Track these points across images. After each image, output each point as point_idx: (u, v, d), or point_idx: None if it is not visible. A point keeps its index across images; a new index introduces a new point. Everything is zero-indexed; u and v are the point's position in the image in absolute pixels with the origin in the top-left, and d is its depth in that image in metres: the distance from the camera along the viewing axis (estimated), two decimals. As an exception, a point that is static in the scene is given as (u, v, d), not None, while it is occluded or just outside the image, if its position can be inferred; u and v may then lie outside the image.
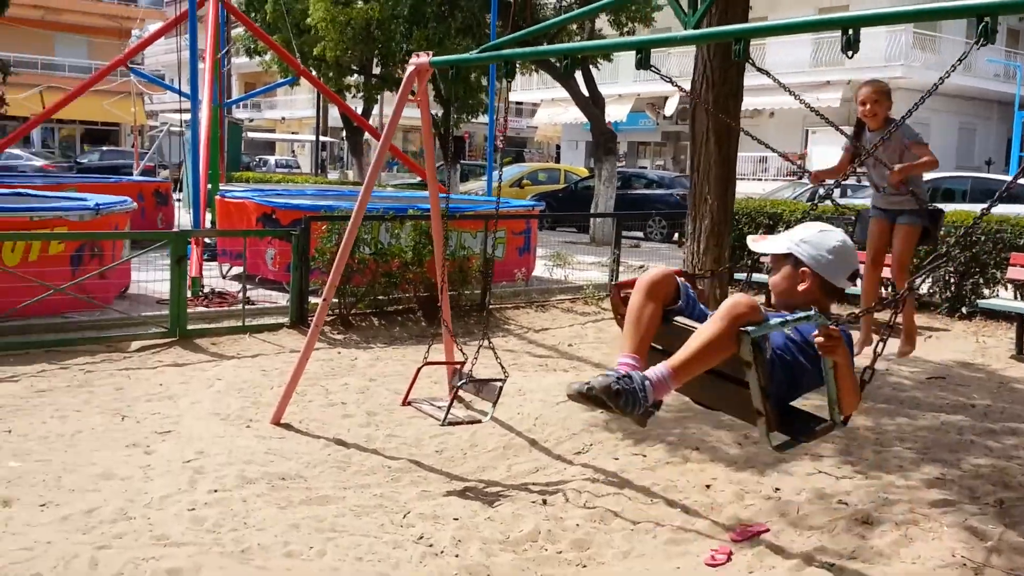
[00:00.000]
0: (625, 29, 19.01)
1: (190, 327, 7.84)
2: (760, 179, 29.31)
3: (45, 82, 43.21)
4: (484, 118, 51.54)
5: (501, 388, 4.81)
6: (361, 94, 23.34)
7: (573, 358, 7.97)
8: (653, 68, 4.05)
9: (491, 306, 9.61)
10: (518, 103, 40.49)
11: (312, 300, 8.50)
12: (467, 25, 16.48)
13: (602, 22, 19.64)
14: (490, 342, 5.20)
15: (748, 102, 30.52)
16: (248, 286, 10.02)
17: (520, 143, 56.79)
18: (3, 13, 20.53)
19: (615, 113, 36.06)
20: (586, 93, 17.22)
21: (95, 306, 7.96)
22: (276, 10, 18.52)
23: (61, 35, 47.52)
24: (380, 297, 8.82)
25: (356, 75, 22.55)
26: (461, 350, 5.66)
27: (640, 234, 18.42)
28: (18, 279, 7.30)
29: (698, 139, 6.99)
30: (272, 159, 42.70)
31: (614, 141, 17.20)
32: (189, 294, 9.31)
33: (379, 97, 23.81)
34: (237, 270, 10.76)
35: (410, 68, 5.72)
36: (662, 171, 26.05)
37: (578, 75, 17.78)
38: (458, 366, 5.04)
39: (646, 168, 37.30)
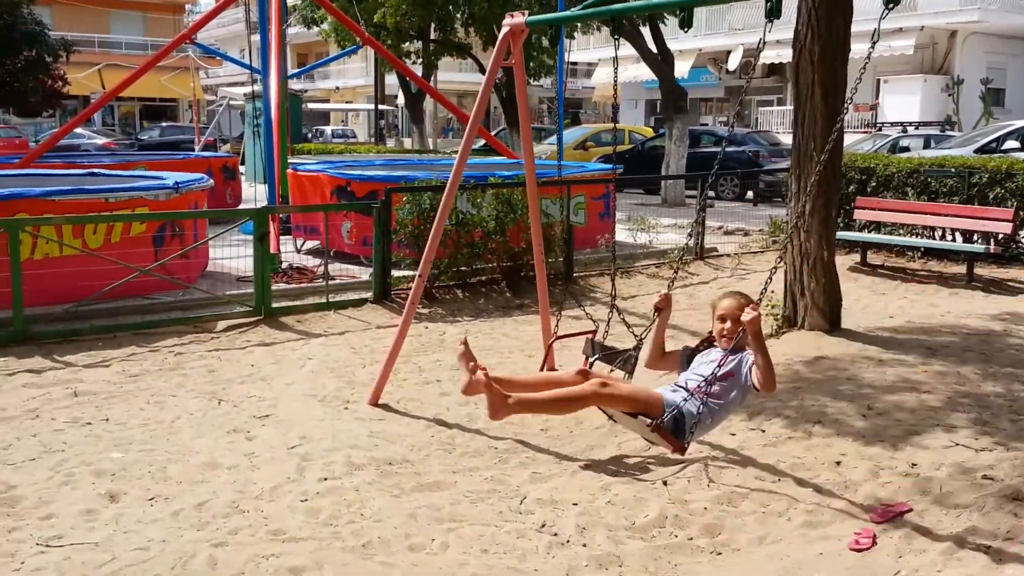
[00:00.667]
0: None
1: (274, 305, 7.71)
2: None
3: (103, 60, 43.67)
4: (541, 80, 50.63)
5: (636, 359, 4.53)
6: (420, 60, 23.02)
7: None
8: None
9: (576, 274, 9.32)
10: (573, 63, 39.75)
11: (395, 273, 8.31)
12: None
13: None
14: (618, 311, 4.91)
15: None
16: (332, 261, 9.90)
17: (576, 104, 55.99)
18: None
19: (676, 69, 35.18)
20: (654, 50, 16.67)
21: (179, 286, 7.87)
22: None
23: (117, 13, 47.94)
24: (463, 268, 8.60)
25: (415, 41, 22.22)
26: (591, 318, 5.37)
27: (712, 193, 17.92)
28: (102, 262, 7.22)
29: (802, 93, 6.58)
30: (328, 129, 42.75)
31: (684, 99, 16.68)
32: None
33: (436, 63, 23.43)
34: (311, 244, 10.64)
35: (504, 29, 5.42)
36: (733, 127, 25.30)
37: (645, 31, 17.24)
38: (590, 335, 4.75)
39: (708, 124, 36.53)
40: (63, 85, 25.11)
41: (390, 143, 38.73)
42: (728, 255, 10.65)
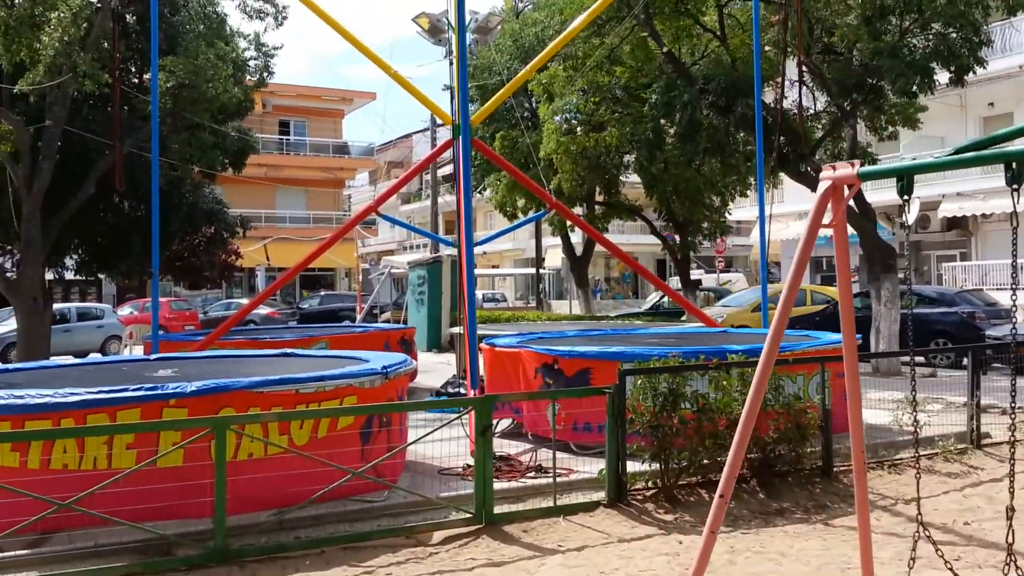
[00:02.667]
0: (885, 134, 17.25)
1: (496, 511, 6.56)
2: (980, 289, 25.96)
3: (270, 233, 45.91)
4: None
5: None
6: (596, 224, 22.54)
7: (989, 545, 6.06)
8: None
9: (836, 467, 7.83)
10: (737, 221, 38.92)
11: (631, 469, 7.07)
12: (716, 143, 15.28)
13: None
14: (924, 528, 3.60)
15: (997, 204, 27.42)
16: (528, 445, 8.78)
17: (727, 263, 54.89)
18: (240, 171, 21.41)
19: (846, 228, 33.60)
20: (852, 204, 15.45)
21: (384, 486, 6.87)
22: (504, 147, 18.11)
23: (282, 189, 50.61)
24: (704, 463, 7.28)
25: (582, 204, 21.80)
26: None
27: (921, 360, 16.05)
28: (308, 462, 6.31)
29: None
30: (480, 294, 42.84)
31: (893, 256, 15.24)
32: (471, 461, 8.18)
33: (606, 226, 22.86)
34: (505, 423, 9.62)
35: (824, 184, 4.34)
36: (941, 286, 23.41)
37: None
38: None
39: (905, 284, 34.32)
40: (236, 259, 25.88)
41: (560, 307, 38.30)
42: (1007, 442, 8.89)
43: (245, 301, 40.65)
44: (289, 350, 9.61)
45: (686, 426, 7.09)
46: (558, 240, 39.23)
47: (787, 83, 15.27)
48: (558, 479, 7.53)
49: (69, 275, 19.88)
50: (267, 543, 5.99)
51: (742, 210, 36.79)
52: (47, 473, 5.80)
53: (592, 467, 7.52)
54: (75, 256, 18.50)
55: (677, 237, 20.82)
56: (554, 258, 39.18)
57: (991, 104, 27.66)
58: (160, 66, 13.82)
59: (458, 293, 15.02)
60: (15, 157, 14.27)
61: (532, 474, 7.85)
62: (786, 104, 15.59)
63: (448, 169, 47.88)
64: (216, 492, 5.71)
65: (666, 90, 15.22)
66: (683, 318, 22.16)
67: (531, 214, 19.84)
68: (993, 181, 28.51)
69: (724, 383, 7.25)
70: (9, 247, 19.24)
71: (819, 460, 7.74)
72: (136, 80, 17.34)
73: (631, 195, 23.02)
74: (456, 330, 14.82)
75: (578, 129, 18.84)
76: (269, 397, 6.37)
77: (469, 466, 8.09)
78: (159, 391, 6.02)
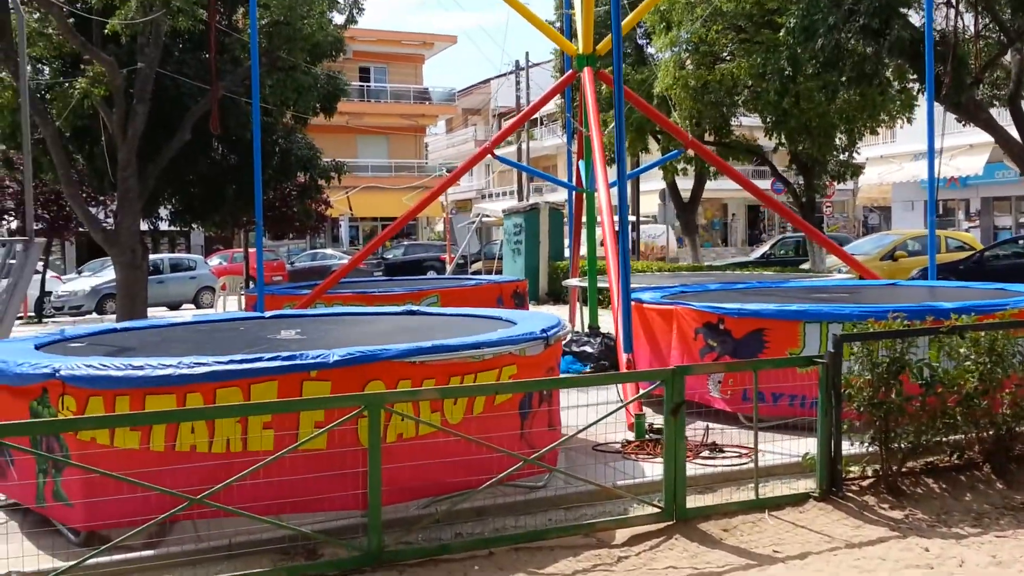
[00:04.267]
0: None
1: (689, 504, 5.48)
2: None
3: (352, 183, 45.24)
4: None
5: None
6: (694, 167, 21.07)
7: None
8: None
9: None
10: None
11: (846, 452, 5.89)
12: (861, 72, 13.69)
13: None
14: None
15: None
16: (689, 421, 7.66)
17: (818, 209, 52.40)
18: (332, 116, 20.47)
19: (967, 166, 31.36)
20: (1018, 138, 13.75)
21: (544, 470, 5.83)
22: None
23: (363, 137, 49.88)
24: (930, 446, 6.06)
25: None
26: None
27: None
28: (461, 444, 5.31)
29: None
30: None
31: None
32: (631, 436, 7.12)
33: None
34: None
35: None
36: None
37: (999, 115, 14.36)
38: None
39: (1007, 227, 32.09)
40: (326, 208, 25.10)
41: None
42: None
43: (330, 251, 40.24)
44: (413, 306, 8.63)
45: (910, 402, 5.87)
46: (653, 185, 37.66)
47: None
48: (743, 462, 6.44)
49: (164, 226, 19.31)
50: (427, 542, 5.02)
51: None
52: (172, 456, 4.91)
53: (775, 445, 6.39)
54: (169, 206, 17.87)
55: (802, 179, 19.22)
56: (649, 204, 37.56)
57: None
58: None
59: (574, 241, 13.85)
60: (108, 102, 13.53)
61: (706, 453, 6.75)
62: (945, 26, 13.90)
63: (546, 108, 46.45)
64: (370, 482, 4.74)
65: (807, 12, 13.62)
66: (803, 267, 20.66)
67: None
68: None
69: (961, 350, 5.98)
70: (103, 197, 18.73)
71: (1061, 442, 6.44)
72: (225, 22, 16.44)
73: (742, 135, 21.37)
74: (574, 281, 13.71)
75: (692, 62, 17.30)
76: (422, 368, 5.35)
77: (629, 442, 7.07)
78: (298, 361, 5.05)
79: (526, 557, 5.01)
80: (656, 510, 5.40)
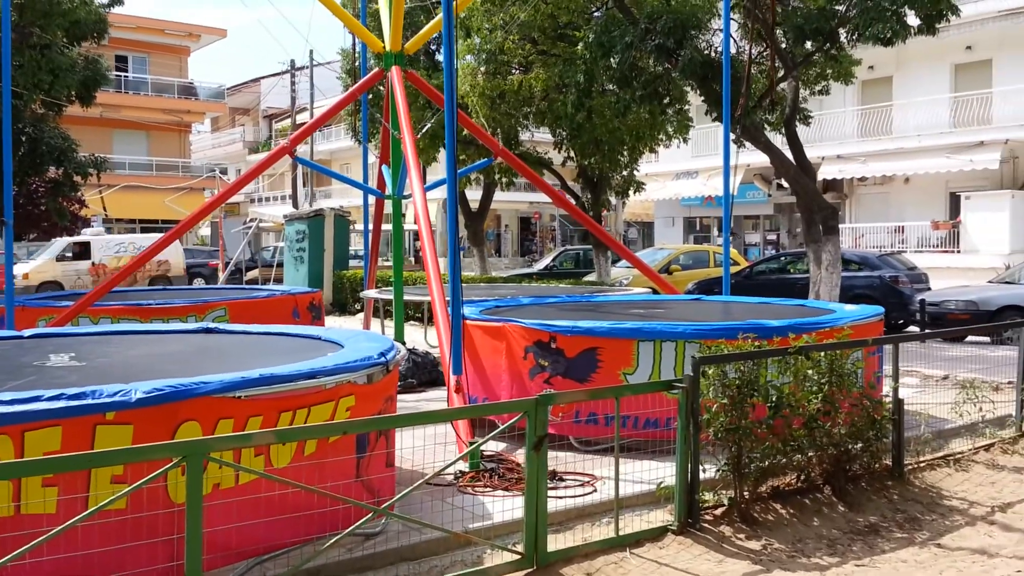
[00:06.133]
0: (817, 88, 16.45)
1: (550, 548, 4.95)
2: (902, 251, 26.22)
3: (108, 181, 41.50)
4: (546, 196, 48.64)
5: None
6: (484, 178, 20.82)
7: None
8: None
9: (907, 465, 6.66)
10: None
11: (707, 478, 5.59)
12: (653, 90, 13.91)
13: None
14: None
15: (877, 168, 27.46)
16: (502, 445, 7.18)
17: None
18: (89, 105, 18.44)
19: (720, 186, 33.35)
20: (791, 160, 14.49)
21: (378, 514, 5.09)
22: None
23: (120, 132, 46.04)
24: (777, 469, 5.92)
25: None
26: None
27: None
28: (292, 494, 4.48)
29: None
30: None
31: (836, 217, 14.39)
32: (464, 467, 6.53)
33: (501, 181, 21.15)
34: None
35: None
36: (863, 250, 23.13)
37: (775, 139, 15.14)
38: None
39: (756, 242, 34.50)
40: (80, 207, 22.68)
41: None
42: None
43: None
44: (210, 324, 7.57)
45: (760, 425, 5.69)
46: (434, 195, 37.28)
47: (734, 28, 14.11)
48: (585, 492, 6.02)
49: None
50: (258, 618, 4.17)
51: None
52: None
53: (608, 470, 6.05)
54: None
55: (589, 194, 19.46)
56: (431, 213, 37.10)
57: (968, 48, 27.13)
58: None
59: (372, 250, 13.07)
60: None
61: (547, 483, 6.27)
62: (736, 52, 14.45)
63: (295, 117, 44.58)
64: (188, 549, 3.82)
65: (605, 29, 13.68)
66: (586, 279, 20.96)
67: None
68: (875, 144, 28.79)
69: (807, 371, 5.88)
70: None
71: (889, 460, 6.54)
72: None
73: (533, 147, 21.42)
74: (373, 293, 12.92)
75: (489, 71, 17.03)
76: (248, 404, 4.47)
77: (463, 472, 6.46)
78: (89, 400, 4.02)
79: (373, 625, 4.28)
80: (515, 556, 4.83)
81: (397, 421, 5.22)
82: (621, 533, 5.25)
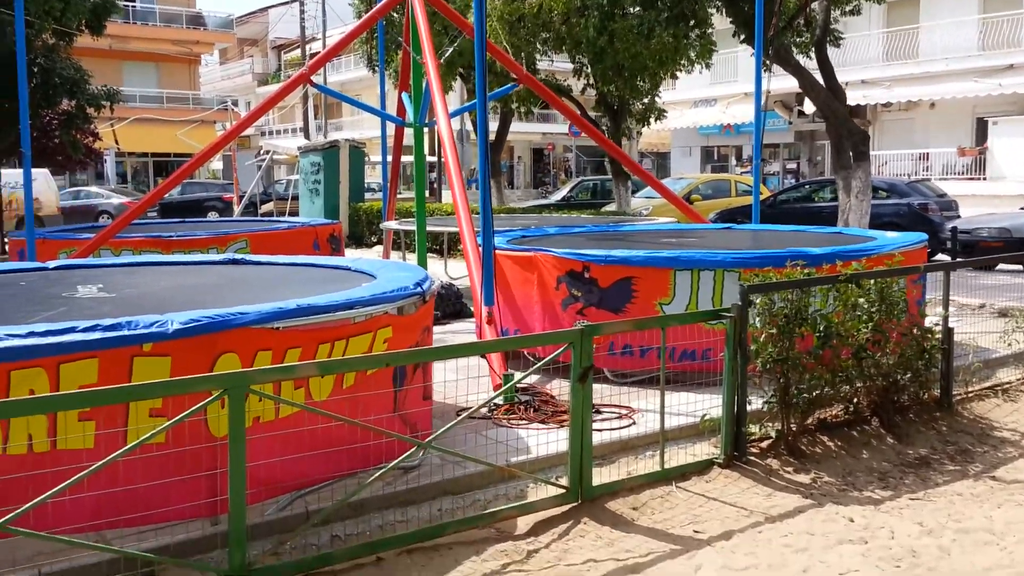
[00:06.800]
0: (848, 8, 15.90)
1: (595, 482, 4.83)
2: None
3: (120, 114, 41.09)
4: (561, 127, 47.80)
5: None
6: (502, 107, 20.38)
7: None
8: None
9: (956, 396, 6.50)
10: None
11: (752, 410, 5.45)
12: (680, 12, 13.45)
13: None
14: None
15: (902, 93, 26.66)
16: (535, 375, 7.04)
17: (600, 153, 53.66)
18: (100, 35, 18.04)
19: (743, 114, 32.78)
20: (821, 81, 14.04)
21: (409, 444, 4.96)
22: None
23: (130, 64, 45.45)
24: (824, 400, 5.76)
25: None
26: None
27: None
28: (328, 422, 4.34)
29: None
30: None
31: (867, 143, 14.00)
32: (500, 400, 6.39)
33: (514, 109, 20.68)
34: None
35: None
36: (891, 178, 22.69)
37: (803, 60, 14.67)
38: None
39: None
40: (94, 140, 22.39)
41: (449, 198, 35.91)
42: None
43: (95, 189, 36.32)
44: (235, 256, 7.40)
45: (801, 359, 5.51)
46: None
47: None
48: (624, 424, 5.89)
49: None
50: (300, 552, 4.07)
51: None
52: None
53: (645, 402, 5.93)
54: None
55: (608, 122, 19.03)
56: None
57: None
58: None
59: (391, 180, 12.82)
60: None
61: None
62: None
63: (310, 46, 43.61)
64: (231, 484, 3.69)
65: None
66: (605, 209, 20.64)
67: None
68: (901, 68, 28.07)
69: (857, 300, 5.67)
70: None
71: (938, 391, 6.37)
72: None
73: (550, 73, 20.94)
74: (393, 224, 12.72)
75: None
76: (286, 335, 4.31)
77: (497, 406, 6.33)
78: (126, 331, 3.87)
79: (422, 560, 4.18)
80: (560, 491, 4.72)
81: (440, 353, 5.08)
82: (666, 467, 5.12)
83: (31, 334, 3.73)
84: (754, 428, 5.52)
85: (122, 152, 43.54)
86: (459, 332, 9.32)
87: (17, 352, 3.68)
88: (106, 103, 17.63)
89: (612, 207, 20.54)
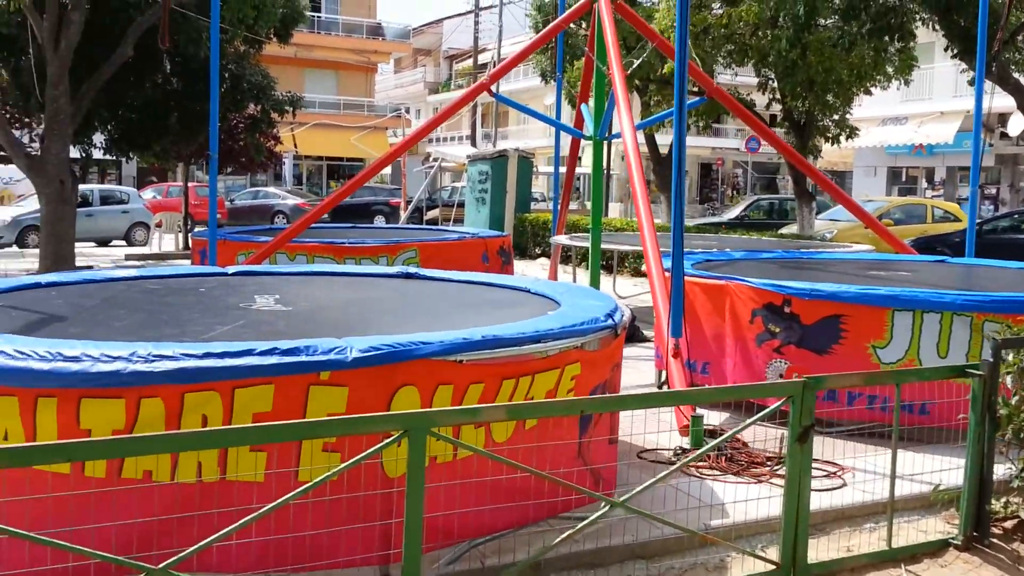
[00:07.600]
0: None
1: (810, 559, 4.17)
2: None
3: (299, 119, 42.83)
4: (731, 142, 46.36)
5: None
6: (695, 121, 19.63)
7: None
8: None
9: None
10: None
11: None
12: (885, 23, 12.40)
13: None
14: None
15: None
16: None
17: (772, 170, 51.71)
18: (287, 42, 18.58)
19: (937, 133, 30.61)
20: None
21: (595, 499, 4.43)
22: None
23: (311, 71, 47.35)
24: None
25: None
26: None
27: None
28: (504, 468, 3.88)
29: None
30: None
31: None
32: (683, 443, 5.79)
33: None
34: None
35: None
36: None
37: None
38: None
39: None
40: (275, 144, 23.19)
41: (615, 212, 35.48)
42: None
43: (272, 190, 37.93)
44: (408, 269, 7.12)
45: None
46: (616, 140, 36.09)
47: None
48: (834, 485, 5.16)
49: (97, 154, 17.24)
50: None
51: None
52: (118, 485, 3.41)
53: (853, 460, 5.19)
54: (104, 132, 15.86)
55: (794, 139, 17.96)
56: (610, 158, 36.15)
57: None
58: None
59: (563, 195, 12.41)
60: (39, 6, 11.55)
61: (773, 467, 5.46)
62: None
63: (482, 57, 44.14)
64: (407, 529, 3.27)
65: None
66: (782, 231, 19.56)
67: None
68: None
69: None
70: (29, 119, 16.58)
71: None
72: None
73: (732, 87, 20.00)
74: (563, 239, 12.30)
75: (693, 3, 15.78)
76: (469, 369, 3.90)
77: (684, 449, 5.74)
78: (304, 356, 3.55)
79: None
80: (770, 567, 4.08)
81: (644, 401, 4.53)
82: (894, 546, 4.39)
83: (208, 355, 3.47)
84: (998, 505, 4.69)
85: (299, 155, 45.45)
86: (636, 359, 8.73)
87: (192, 374, 3.42)
88: (289, 108, 18.13)
89: (791, 228, 19.43)
